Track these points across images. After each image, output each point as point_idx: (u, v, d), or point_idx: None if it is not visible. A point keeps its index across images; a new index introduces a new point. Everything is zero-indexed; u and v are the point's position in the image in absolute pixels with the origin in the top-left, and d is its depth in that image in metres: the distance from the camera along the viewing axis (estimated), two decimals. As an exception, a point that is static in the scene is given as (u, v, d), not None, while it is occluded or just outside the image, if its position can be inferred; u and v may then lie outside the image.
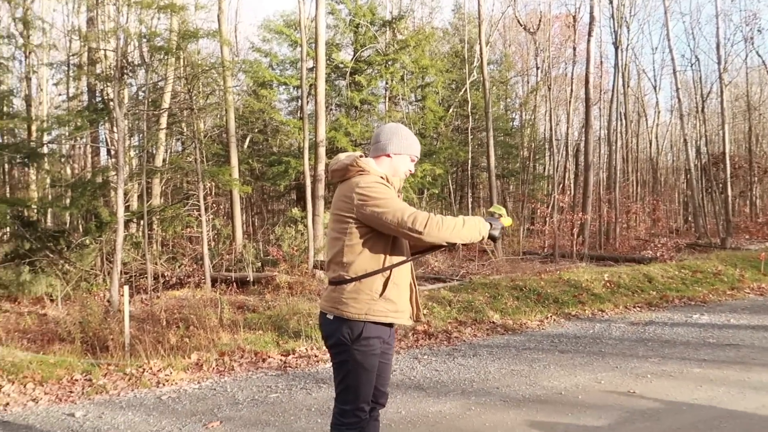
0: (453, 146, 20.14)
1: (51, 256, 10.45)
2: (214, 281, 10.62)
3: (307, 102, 15.74)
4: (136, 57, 11.40)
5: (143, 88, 11.49)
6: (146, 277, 10.24)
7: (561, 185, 23.95)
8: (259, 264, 12.15)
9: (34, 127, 13.43)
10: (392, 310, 2.47)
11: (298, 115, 18.86)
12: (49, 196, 13.27)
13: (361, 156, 2.55)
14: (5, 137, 12.33)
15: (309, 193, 12.61)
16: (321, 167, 12.53)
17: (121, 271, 9.09)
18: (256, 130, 19.99)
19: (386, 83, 19.26)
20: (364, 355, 2.43)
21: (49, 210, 13.02)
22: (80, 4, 15.41)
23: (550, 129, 22.98)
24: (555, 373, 5.21)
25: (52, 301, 9.49)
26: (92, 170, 14.09)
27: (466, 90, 20.96)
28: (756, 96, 29.08)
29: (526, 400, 4.44)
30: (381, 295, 2.43)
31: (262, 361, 5.70)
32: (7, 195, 13.19)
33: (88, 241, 10.97)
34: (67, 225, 13.62)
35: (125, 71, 9.85)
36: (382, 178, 2.50)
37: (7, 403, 4.50)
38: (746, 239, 19.91)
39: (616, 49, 19.55)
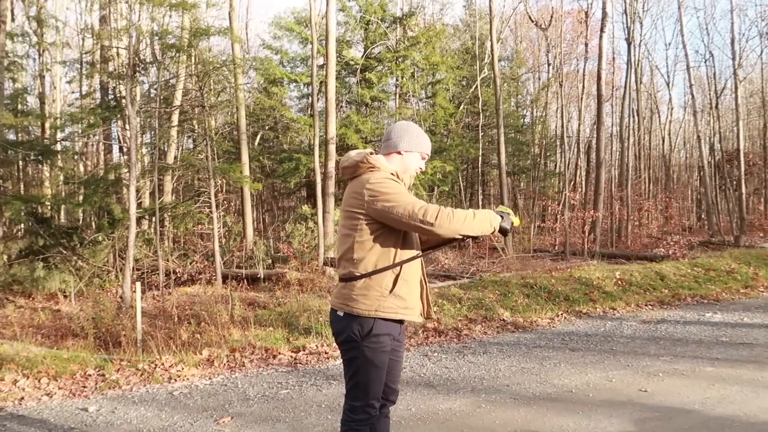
0: (463, 143, 20.07)
1: (64, 252, 10.57)
2: (225, 278, 10.68)
3: (318, 99, 15.76)
4: (148, 55, 11.48)
5: (155, 86, 11.57)
6: (158, 274, 10.33)
7: (572, 182, 23.81)
8: (270, 261, 12.21)
9: (47, 125, 13.58)
10: (402, 306, 2.47)
11: (309, 112, 18.88)
12: (63, 193, 13.42)
13: (371, 153, 2.56)
14: (19, 135, 12.44)
15: (319, 190, 12.64)
16: (331, 164, 12.55)
17: (133, 268, 9.17)
18: (267, 128, 20.05)
19: (396, 80, 19.23)
20: (374, 351, 2.43)
21: (63, 207, 13.15)
22: (93, 2, 15.50)
23: (562, 126, 22.80)
24: (566, 371, 5.19)
25: (65, 297, 9.60)
26: (105, 167, 14.21)
27: (476, 87, 20.87)
28: (771, 92, 28.69)
29: (536, 398, 4.43)
30: (391, 291, 2.43)
31: (273, 358, 5.72)
32: (22, 192, 13.34)
33: (100, 238, 11.08)
34: (80, 222, 13.76)
35: (137, 69, 9.92)
36: (392, 174, 2.51)
37: (22, 398, 4.56)
38: (760, 237, 19.73)
39: (629, 45, 19.38)
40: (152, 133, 14.10)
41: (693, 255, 13.26)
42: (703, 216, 26.40)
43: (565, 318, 7.71)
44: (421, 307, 2.62)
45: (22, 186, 14.23)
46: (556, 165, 28.46)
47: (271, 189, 20.79)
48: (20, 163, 13.01)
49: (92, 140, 16.26)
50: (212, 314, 6.95)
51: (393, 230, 2.45)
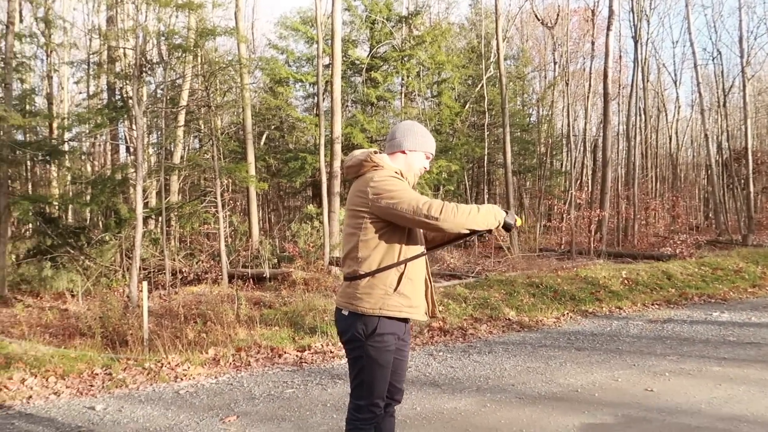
0: (469, 142, 20.05)
1: (72, 252, 10.63)
2: (231, 277, 10.72)
3: (324, 99, 15.77)
4: (155, 55, 11.52)
5: (162, 86, 11.62)
6: (164, 273, 10.37)
7: (578, 181, 23.71)
8: (276, 260, 12.24)
9: (55, 125, 13.66)
10: (406, 305, 2.47)
11: (314, 111, 18.91)
12: (70, 193, 13.49)
13: (375, 152, 2.57)
14: (28, 135, 12.53)
15: (325, 189, 12.66)
16: (337, 164, 12.56)
17: (140, 267, 9.21)
18: (273, 127, 20.10)
19: (402, 79, 19.23)
20: (378, 351, 2.44)
21: (70, 206, 13.23)
22: (100, 3, 15.61)
23: (568, 125, 22.77)
24: (571, 370, 5.17)
25: (72, 296, 9.66)
26: (112, 167, 14.28)
27: (482, 86, 20.83)
28: (780, 90, 28.52)
29: (541, 398, 4.42)
30: (395, 289, 2.44)
31: (278, 357, 5.74)
32: (30, 192, 13.43)
33: (107, 238, 11.14)
34: (88, 221, 13.83)
35: (144, 69, 9.96)
36: (396, 173, 2.51)
37: (30, 396, 4.60)
38: (768, 236, 19.57)
39: (636, 43, 19.29)
40: (159, 133, 14.15)
41: (700, 254, 13.19)
42: (710, 215, 26.24)
43: (571, 317, 7.69)
44: (426, 306, 2.63)
45: (30, 186, 14.33)
46: (562, 164, 28.37)
47: (276, 188, 20.84)
48: (28, 163, 13.10)
49: (99, 140, 16.37)
50: (218, 313, 6.97)
51: (397, 228, 2.45)
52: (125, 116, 12.16)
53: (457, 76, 20.21)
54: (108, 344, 6.33)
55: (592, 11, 20.72)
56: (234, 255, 12.64)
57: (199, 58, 12.72)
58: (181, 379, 5.05)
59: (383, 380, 2.50)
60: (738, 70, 21.95)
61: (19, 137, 11.59)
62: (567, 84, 22.84)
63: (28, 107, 11.52)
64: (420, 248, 2.57)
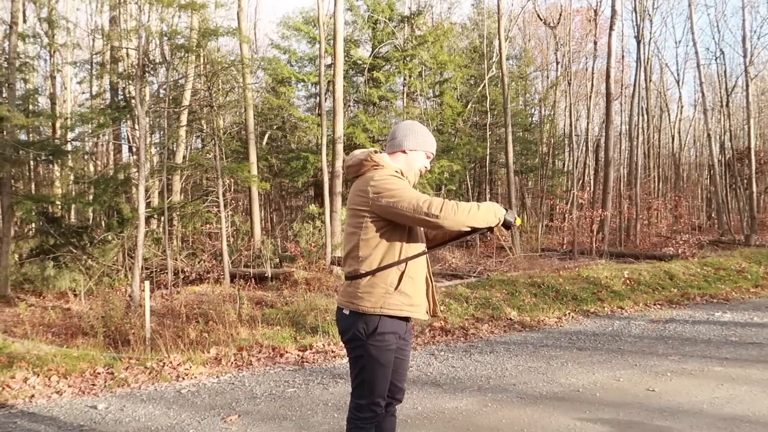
0: (471, 142, 20.04)
1: (74, 251, 10.66)
2: (232, 277, 10.73)
3: (326, 99, 15.79)
4: (158, 55, 11.56)
5: (164, 86, 11.64)
6: (166, 273, 10.39)
7: (580, 181, 23.69)
8: (277, 260, 12.25)
9: (58, 125, 13.71)
10: (407, 303, 2.47)
11: (317, 111, 18.93)
12: (73, 193, 13.53)
13: (376, 151, 2.57)
14: (31, 135, 12.57)
15: (327, 189, 12.67)
16: (339, 163, 12.57)
17: (142, 267, 9.23)
18: (275, 127, 20.12)
19: (404, 79, 19.23)
20: (379, 350, 2.44)
21: (73, 206, 13.27)
22: (103, 3, 15.64)
23: (570, 124, 22.72)
24: (573, 370, 5.17)
25: (75, 295, 9.68)
26: (114, 167, 14.32)
27: (484, 86, 20.83)
28: (783, 90, 28.47)
29: (543, 397, 4.42)
30: (396, 288, 2.44)
31: (280, 356, 5.75)
32: (33, 191, 13.47)
33: (110, 237, 11.17)
34: (90, 221, 13.88)
35: (147, 69, 9.98)
36: (396, 172, 2.52)
37: (33, 395, 4.61)
38: (771, 236, 19.52)
39: (638, 42, 19.26)
40: (161, 132, 14.19)
41: (703, 254, 13.17)
42: (713, 215, 26.20)
43: (572, 317, 7.68)
44: (427, 305, 2.63)
45: (33, 185, 14.38)
46: (564, 164, 28.35)
47: (278, 188, 20.86)
48: (31, 162, 13.14)
49: (102, 140, 16.38)
50: (220, 313, 6.98)
51: (398, 227, 2.46)
52: (128, 116, 12.20)
53: (459, 75, 20.21)
54: (110, 343, 6.34)
55: (595, 11, 20.69)
56: (236, 255, 12.67)
57: (201, 58, 12.75)
58: (183, 379, 5.07)
59: (384, 379, 2.50)
60: (741, 70, 21.92)
61: (23, 137, 11.63)
62: (569, 84, 22.81)
63: (31, 107, 11.56)
64: (421, 247, 2.57)
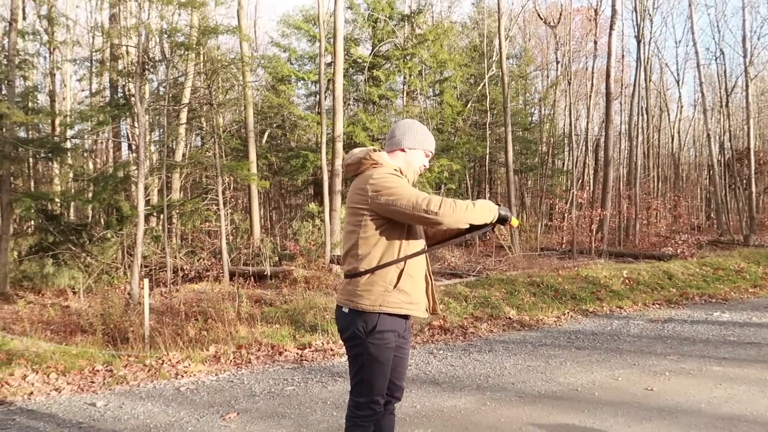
0: (471, 141, 20.04)
1: (73, 249, 10.66)
2: (232, 275, 10.73)
3: (326, 97, 15.78)
4: (157, 53, 11.54)
5: (164, 84, 11.63)
6: (166, 271, 10.38)
7: (580, 181, 23.70)
8: (277, 258, 12.25)
9: (57, 122, 13.70)
10: (406, 301, 2.48)
11: (317, 109, 18.91)
12: (72, 190, 13.52)
13: (374, 150, 2.57)
14: (30, 132, 12.57)
15: (326, 187, 12.66)
16: (338, 162, 12.57)
17: (141, 265, 9.23)
18: (275, 125, 20.10)
19: (404, 78, 19.22)
20: (378, 348, 2.44)
21: (72, 204, 13.26)
22: (103, 0, 15.61)
23: (570, 124, 22.74)
24: (571, 369, 5.18)
25: (74, 293, 9.68)
26: (114, 165, 14.30)
27: (484, 85, 20.82)
28: (782, 90, 28.48)
29: (541, 396, 4.42)
30: (395, 286, 2.45)
31: (279, 355, 5.75)
32: (32, 189, 13.46)
33: (109, 235, 11.16)
34: (89, 218, 13.86)
35: (146, 67, 9.97)
36: (395, 170, 2.52)
37: (31, 392, 4.61)
38: (770, 236, 19.54)
39: (639, 42, 19.25)
40: (161, 130, 14.18)
41: (702, 254, 13.18)
42: (712, 215, 26.22)
43: (571, 316, 7.69)
44: (427, 303, 2.63)
45: (32, 183, 14.37)
46: (563, 163, 28.36)
47: (278, 186, 20.85)
48: (31, 160, 13.14)
49: (101, 138, 16.38)
50: (219, 311, 6.99)
51: (397, 225, 2.46)
52: (127, 114, 12.17)
53: (459, 74, 20.20)
54: (109, 341, 6.34)
55: (595, 10, 20.69)
56: (235, 253, 12.67)
57: (201, 56, 12.74)
58: (182, 376, 5.07)
59: (383, 377, 2.50)
60: (741, 70, 21.94)
61: (22, 134, 11.63)
62: (569, 83, 22.82)
63: (30, 104, 11.55)
64: (420, 244, 2.57)
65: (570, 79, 22.26)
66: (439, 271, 11.15)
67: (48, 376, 4.96)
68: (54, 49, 15.43)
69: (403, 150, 2.62)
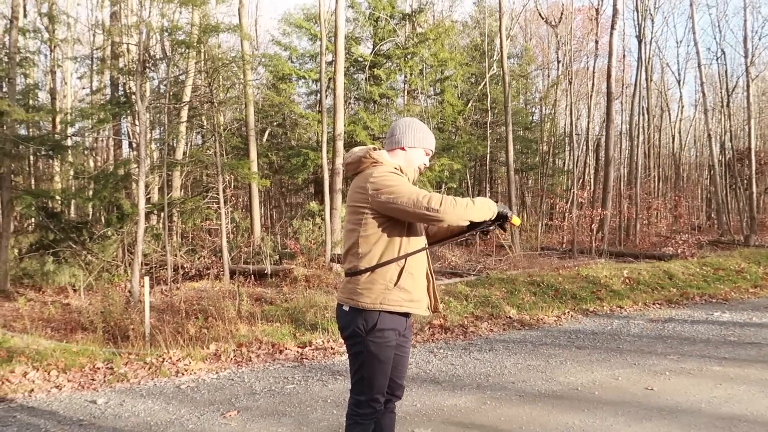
0: (471, 140, 20.04)
1: (74, 246, 10.66)
2: (232, 273, 10.73)
3: (326, 96, 15.77)
4: (158, 51, 11.54)
5: (165, 82, 11.63)
6: (166, 269, 10.38)
7: (581, 180, 23.69)
8: (277, 257, 12.25)
9: (58, 120, 13.70)
10: (407, 299, 2.48)
11: (317, 108, 18.91)
12: (73, 188, 13.52)
13: (374, 149, 2.58)
14: (31, 130, 12.57)
15: (327, 186, 12.66)
16: (339, 161, 12.56)
17: (141, 263, 9.23)
18: (275, 124, 20.10)
19: (405, 77, 19.20)
20: (378, 346, 2.45)
21: (73, 201, 13.27)
22: (103, -2, 15.61)
23: (571, 123, 22.72)
24: (572, 368, 5.18)
25: (75, 291, 9.68)
26: (114, 163, 14.32)
27: (485, 84, 20.81)
28: (783, 90, 28.45)
29: (541, 396, 4.43)
30: (395, 284, 2.45)
31: (279, 353, 5.76)
32: (33, 186, 13.47)
33: (110, 233, 11.16)
34: (90, 216, 13.86)
35: (147, 65, 9.97)
36: (395, 168, 2.52)
37: (32, 390, 4.62)
38: (771, 237, 19.53)
39: (640, 42, 19.25)
40: (161, 128, 14.17)
41: (702, 254, 13.18)
42: (712, 215, 26.21)
43: (571, 316, 7.69)
44: (428, 301, 2.63)
45: (32, 180, 14.37)
46: (564, 163, 28.35)
47: (278, 185, 20.85)
48: (31, 157, 13.14)
49: (102, 136, 16.40)
50: (219, 309, 6.99)
51: (397, 224, 2.46)
52: (128, 112, 12.17)
53: (460, 74, 20.18)
54: (109, 339, 6.35)
55: (596, 10, 20.67)
56: (235, 251, 12.67)
57: (202, 55, 12.74)
58: (183, 374, 5.07)
59: (383, 376, 2.50)
60: (742, 70, 21.90)
61: (23, 132, 11.63)
62: (570, 83, 22.79)
63: (31, 102, 11.54)
64: (421, 242, 2.58)
65: (571, 78, 22.24)
66: (440, 270, 11.16)
67: (48, 374, 4.96)
68: (55, 47, 15.42)
69: (403, 148, 2.62)
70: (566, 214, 17.88)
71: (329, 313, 6.82)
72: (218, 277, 10.54)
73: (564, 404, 4.22)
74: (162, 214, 12.01)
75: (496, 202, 2.51)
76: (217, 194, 11.29)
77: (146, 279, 6.77)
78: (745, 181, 21.74)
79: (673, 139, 29.12)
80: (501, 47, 17.01)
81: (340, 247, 11.42)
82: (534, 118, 27.36)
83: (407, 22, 19.16)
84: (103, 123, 11.78)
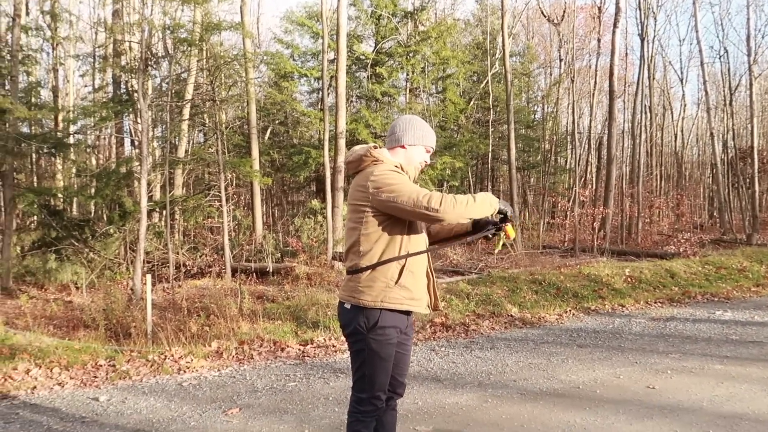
0: (473, 139, 20.02)
1: (76, 244, 10.68)
2: (234, 271, 10.75)
3: (328, 94, 15.77)
4: (160, 49, 11.55)
5: (167, 80, 11.63)
6: (168, 267, 10.41)
7: (583, 179, 23.68)
8: (279, 255, 12.26)
9: (60, 118, 13.71)
10: (408, 297, 2.48)
11: (319, 106, 18.90)
12: (75, 186, 13.55)
13: (375, 147, 2.58)
14: (33, 127, 12.58)
15: (328, 184, 12.67)
16: (341, 159, 12.57)
17: (143, 260, 9.24)
18: (277, 122, 20.10)
19: (407, 75, 19.20)
20: (380, 344, 2.45)
21: (75, 199, 13.30)
22: (106, -4, 15.62)
23: (573, 122, 22.67)
24: (573, 367, 5.18)
25: (77, 288, 9.70)
26: (116, 160, 14.33)
27: (487, 82, 20.80)
28: (787, 89, 28.37)
29: (543, 394, 4.43)
30: (396, 282, 2.45)
31: (281, 351, 5.76)
32: (35, 184, 13.49)
33: (112, 230, 11.18)
34: (92, 214, 13.90)
35: (149, 63, 9.98)
36: (396, 166, 2.52)
37: (35, 387, 4.63)
38: (773, 235, 19.50)
39: (642, 40, 19.19)
40: (163, 126, 14.20)
41: (704, 253, 13.16)
42: (715, 214, 26.16)
43: (573, 314, 7.69)
44: (429, 299, 2.64)
45: (35, 178, 14.39)
46: (566, 161, 28.30)
47: (280, 183, 20.86)
48: (33, 155, 13.15)
49: (104, 133, 16.41)
50: (221, 307, 7.00)
51: (398, 222, 2.47)
52: (130, 110, 12.19)
53: (462, 72, 20.16)
54: (112, 336, 6.37)
55: (599, 8, 20.61)
56: (237, 249, 12.69)
57: (204, 52, 12.74)
58: (185, 372, 5.08)
59: (385, 373, 2.51)
60: (745, 69, 21.87)
61: (25, 130, 11.64)
62: (572, 81, 22.72)
63: (33, 100, 11.57)
64: (422, 241, 2.58)
65: (573, 76, 22.17)
66: (441, 269, 11.16)
67: (51, 371, 4.98)
68: (57, 45, 15.44)
69: (403, 146, 2.62)
70: (568, 213, 17.87)
71: (331, 311, 6.83)
72: (220, 275, 10.56)
73: (565, 402, 4.22)
74: (164, 212, 12.02)
75: (498, 197, 2.52)
76: (219, 192, 11.30)
77: (148, 277, 6.79)
78: (748, 180, 21.69)
79: (676, 137, 29.06)
80: (503, 45, 16.99)
81: (342, 246, 11.46)
82: (536, 116, 27.34)
83: (409, 20, 19.14)
84: (105, 121, 11.79)
